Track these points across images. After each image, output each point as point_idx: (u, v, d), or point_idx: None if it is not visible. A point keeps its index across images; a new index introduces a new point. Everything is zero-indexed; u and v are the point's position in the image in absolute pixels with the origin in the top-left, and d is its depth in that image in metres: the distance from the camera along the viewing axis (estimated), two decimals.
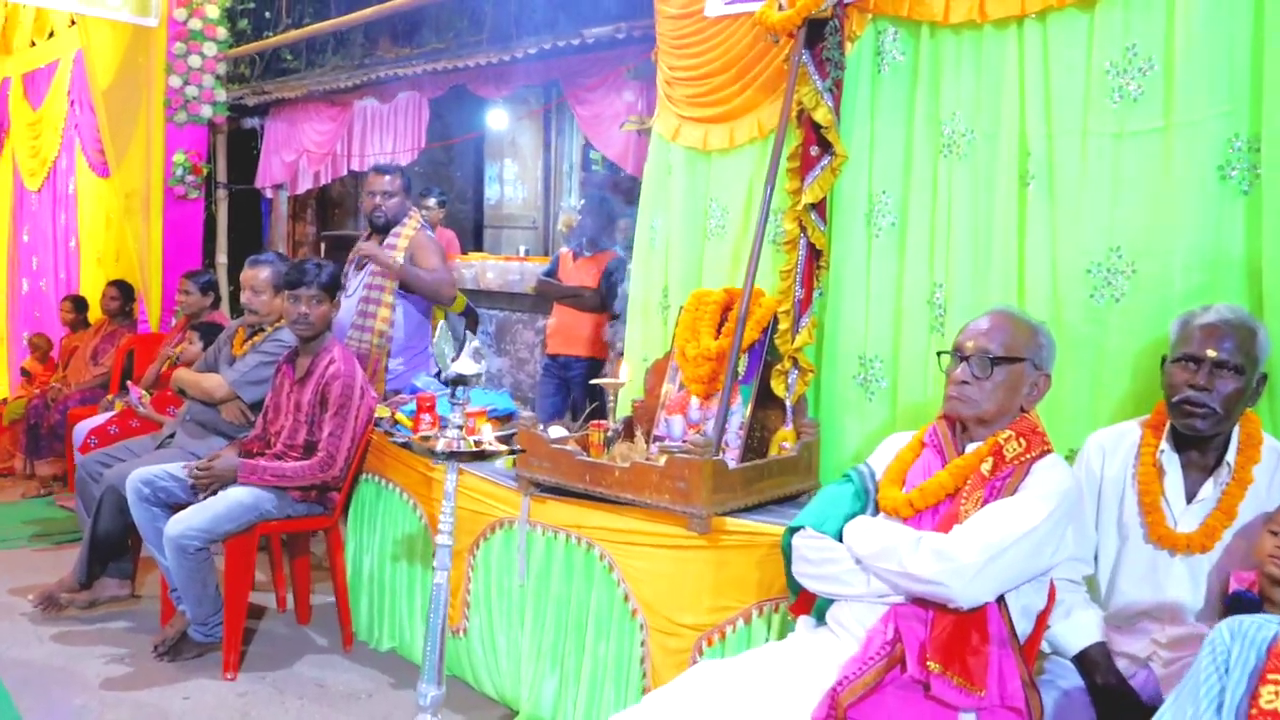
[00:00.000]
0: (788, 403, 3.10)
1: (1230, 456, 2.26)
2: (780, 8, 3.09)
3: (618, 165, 6.86)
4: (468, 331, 5.33)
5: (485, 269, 7.53)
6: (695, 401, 3.19)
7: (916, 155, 3.06)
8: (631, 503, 2.89)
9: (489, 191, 10.89)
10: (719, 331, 3.19)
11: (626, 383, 3.50)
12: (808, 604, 2.37)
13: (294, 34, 8.46)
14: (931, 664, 2.00)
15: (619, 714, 2.14)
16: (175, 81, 6.52)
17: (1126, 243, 2.65)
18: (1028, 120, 2.81)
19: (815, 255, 3.10)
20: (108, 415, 5.22)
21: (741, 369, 3.07)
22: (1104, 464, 2.42)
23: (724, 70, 3.47)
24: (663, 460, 2.83)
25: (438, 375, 4.22)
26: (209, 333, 4.96)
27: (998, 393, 2.23)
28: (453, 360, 2.72)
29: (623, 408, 3.49)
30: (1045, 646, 2.32)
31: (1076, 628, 2.30)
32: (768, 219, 3.09)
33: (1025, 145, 2.82)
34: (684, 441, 3.06)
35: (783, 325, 3.09)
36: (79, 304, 7.01)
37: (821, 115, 3.01)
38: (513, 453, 2.98)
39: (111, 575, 4.22)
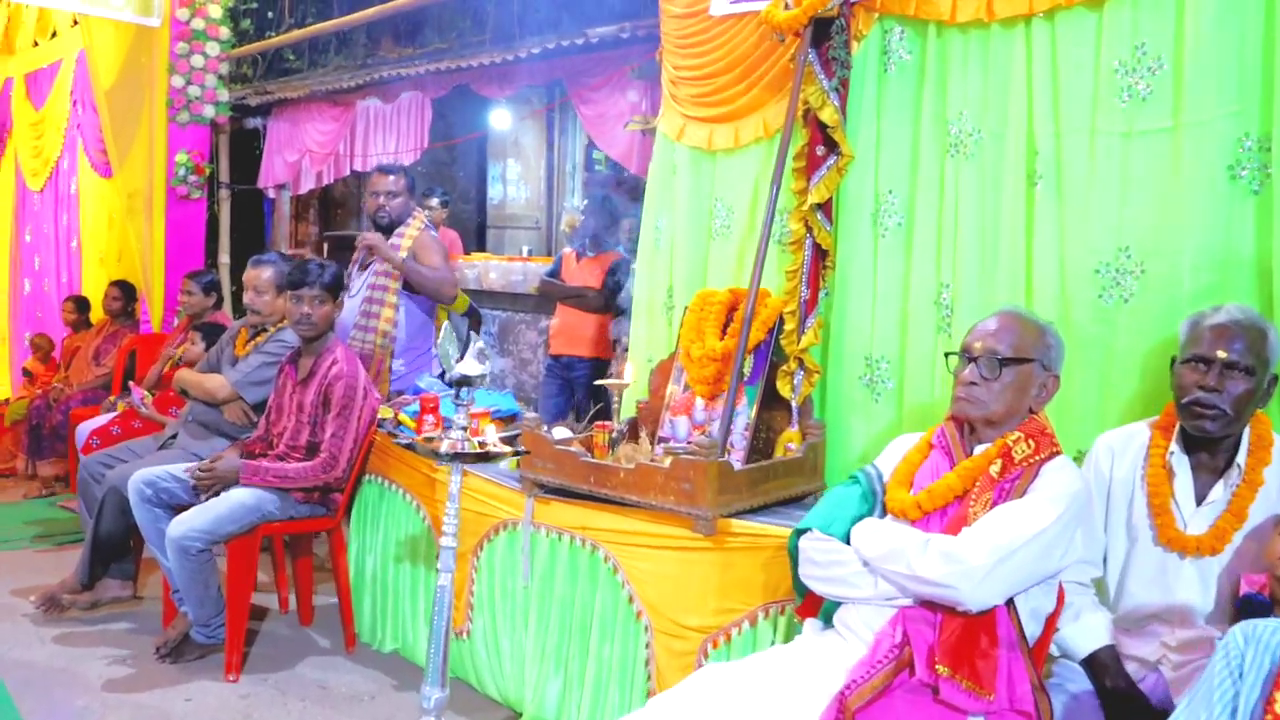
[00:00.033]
0: (793, 404, 3.08)
1: (1240, 458, 2.24)
2: (786, 6, 3.07)
3: (621, 165, 6.85)
4: (472, 332, 5.33)
5: (488, 269, 7.51)
6: (700, 402, 3.17)
7: (923, 155, 3.05)
8: (636, 504, 2.87)
9: (492, 191, 10.89)
10: (724, 332, 3.17)
11: (631, 383, 3.48)
12: (814, 606, 2.35)
13: (296, 34, 8.46)
14: (940, 667, 1.99)
15: (624, 717, 2.13)
16: (178, 81, 6.52)
17: (1135, 243, 2.63)
18: (1036, 120, 2.79)
19: (821, 255, 3.09)
20: (110, 416, 5.20)
21: (747, 370, 3.06)
22: (1113, 465, 2.40)
23: (729, 69, 3.46)
24: (668, 461, 2.82)
25: (441, 376, 4.22)
26: (211, 333, 4.95)
27: (1006, 394, 2.22)
28: (457, 361, 2.71)
29: (627, 409, 3.47)
30: (1053, 650, 2.31)
31: (1085, 631, 2.28)
32: (773, 219, 3.08)
33: (1033, 145, 2.80)
34: (689, 443, 3.04)
35: (788, 326, 3.08)
36: (81, 304, 7.00)
37: (828, 115, 2.99)
38: (517, 454, 2.96)
39: (113, 576, 4.21)
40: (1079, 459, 2.49)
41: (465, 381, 2.71)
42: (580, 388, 5.33)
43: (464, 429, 2.75)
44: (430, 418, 3.64)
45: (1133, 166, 2.64)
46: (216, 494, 3.68)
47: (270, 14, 9.56)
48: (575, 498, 3.05)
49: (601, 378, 4.67)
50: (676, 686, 2.17)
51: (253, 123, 9.07)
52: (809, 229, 3.05)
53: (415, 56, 8.39)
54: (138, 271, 6.69)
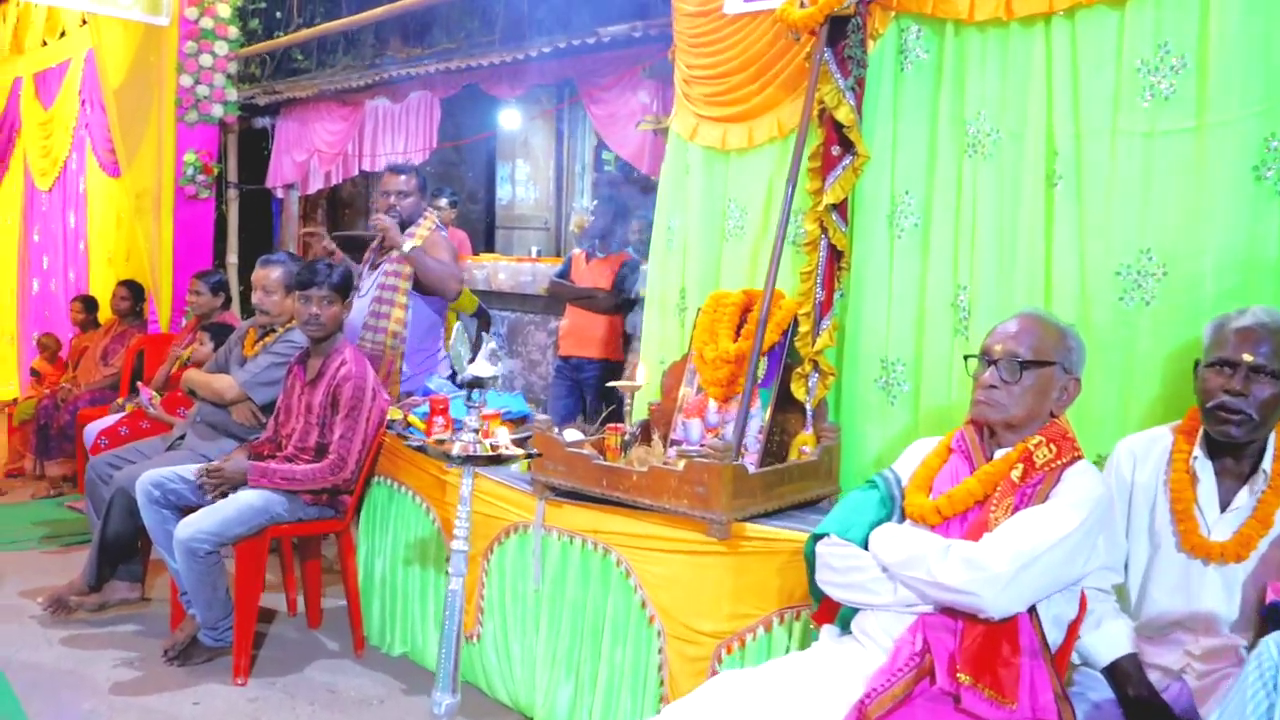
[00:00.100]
0: (808, 406, 3.05)
1: (1266, 464, 2.20)
2: (801, 5, 3.04)
3: (631, 165, 6.82)
4: (484, 333, 5.30)
5: (497, 270, 7.49)
6: (713, 405, 3.14)
7: (940, 155, 3.01)
8: (649, 508, 2.84)
9: (501, 192, 10.86)
10: (738, 334, 3.14)
11: (643, 385, 3.45)
12: (831, 612, 2.32)
13: (305, 33, 8.43)
14: (962, 676, 1.96)
15: None
16: (186, 81, 6.51)
17: (1157, 245, 2.60)
18: (1055, 120, 2.76)
19: (836, 256, 3.06)
20: (118, 416, 5.19)
21: (761, 372, 3.03)
22: (1135, 470, 2.36)
23: (743, 69, 3.43)
24: (681, 464, 2.79)
25: (451, 377, 4.18)
26: (219, 333, 4.93)
27: (1027, 397, 2.19)
28: (469, 362, 2.68)
29: (639, 410, 3.44)
30: (1075, 658, 2.27)
31: (1107, 638, 2.25)
32: (788, 219, 3.04)
33: (1053, 145, 2.76)
34: (702, 445, 3.01)
35: (803, 328, 3.05)
36: (89, 304, 7.00)
37: (843, 114, 2.96)
38: (528, 456, 2.93)
39: (121, 578, 4.19)
40: (1099, 463, 2.46)
41: (477, 383, 2.68)
42: (589, 389, 5.31)
43: (476, 431, 2.72)
44: (440, 419, 3.62)
45: (1155, 167, 2.60)
46: (224, 495, 3.66)
47: (279, 13, 9.54)
48: (587, 500, 3.02)
49: (611, 379, 4.64)
50: (693, 693, 2.14)
51: (261, 122, 9.04)
52: (824, 230, 3.02)
53: (424, 56, 8.36)
54: (146, 271, 6.68)
